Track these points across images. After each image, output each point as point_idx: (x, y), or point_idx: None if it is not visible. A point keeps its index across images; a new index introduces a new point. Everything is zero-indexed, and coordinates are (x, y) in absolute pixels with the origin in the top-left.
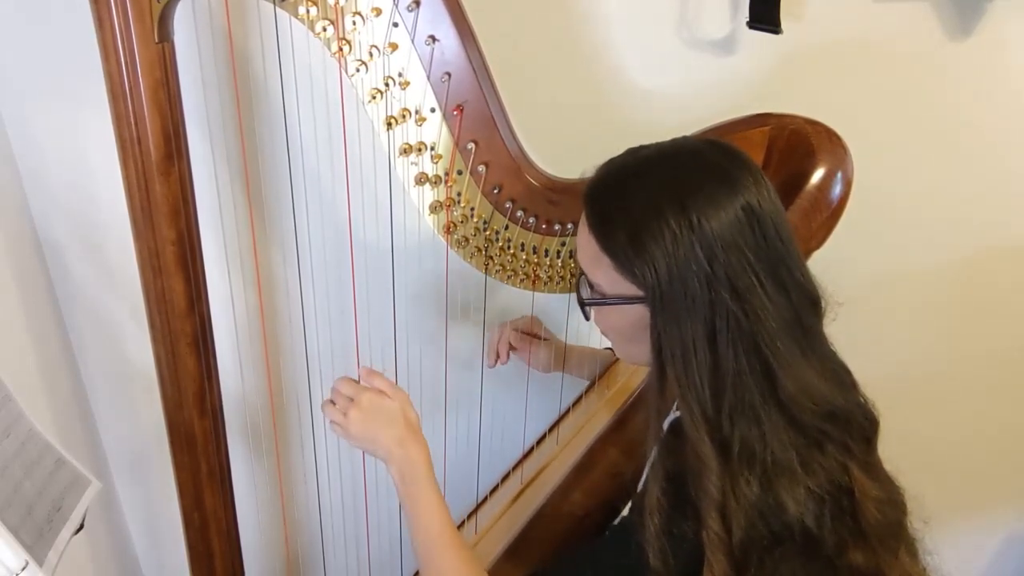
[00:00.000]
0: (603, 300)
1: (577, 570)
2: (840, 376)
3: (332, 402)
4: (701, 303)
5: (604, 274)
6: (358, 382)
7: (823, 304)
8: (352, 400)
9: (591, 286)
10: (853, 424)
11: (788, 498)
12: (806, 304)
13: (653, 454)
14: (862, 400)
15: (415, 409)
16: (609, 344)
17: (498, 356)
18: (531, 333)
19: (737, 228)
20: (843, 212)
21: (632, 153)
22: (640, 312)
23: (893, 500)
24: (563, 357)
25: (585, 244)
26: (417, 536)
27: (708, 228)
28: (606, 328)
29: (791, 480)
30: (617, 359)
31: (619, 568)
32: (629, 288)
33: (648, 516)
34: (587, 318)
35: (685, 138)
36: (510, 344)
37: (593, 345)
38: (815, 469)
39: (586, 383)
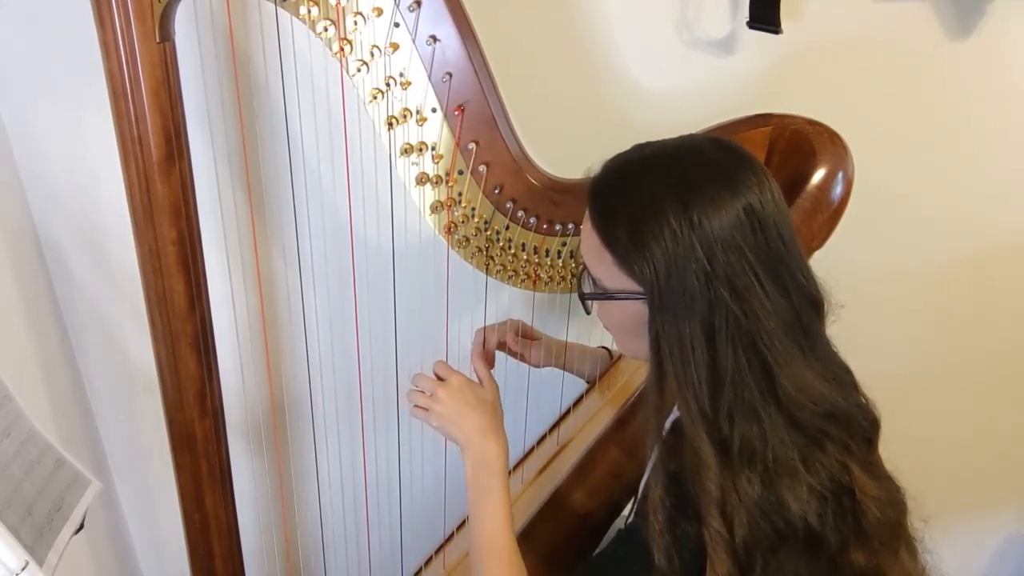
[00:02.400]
0: (603, 295)
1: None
2: (841, 376)
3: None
4: (700, 301)
5: (605, 269)
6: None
7: (825, 306)
8: (443, 380)
9: (593, 281)
10: (853, 424)
11: (790, 496)
12: (806, 305)
13: (654, 453)
14: (863, 400)
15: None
16: (602, 343)
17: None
18: (527, 336)
19: (738, 228)
20: (844, 212)
21: (637, 149)
22: (640, 308)
23: (893, 499)
24: (555, 352)
25: (588, 238)
26: (474, 534)
27: (708, 227)
28: (608, 323)
29: (793, 478)
30: (617, 359)
31: (626, 571)
32: (629, 284)
33: (652, 514)
34: (588, 312)
35: (691, 136)
36: (507, 345)
37: (595, 345)
38: (816, 468)
39: (586, 382)
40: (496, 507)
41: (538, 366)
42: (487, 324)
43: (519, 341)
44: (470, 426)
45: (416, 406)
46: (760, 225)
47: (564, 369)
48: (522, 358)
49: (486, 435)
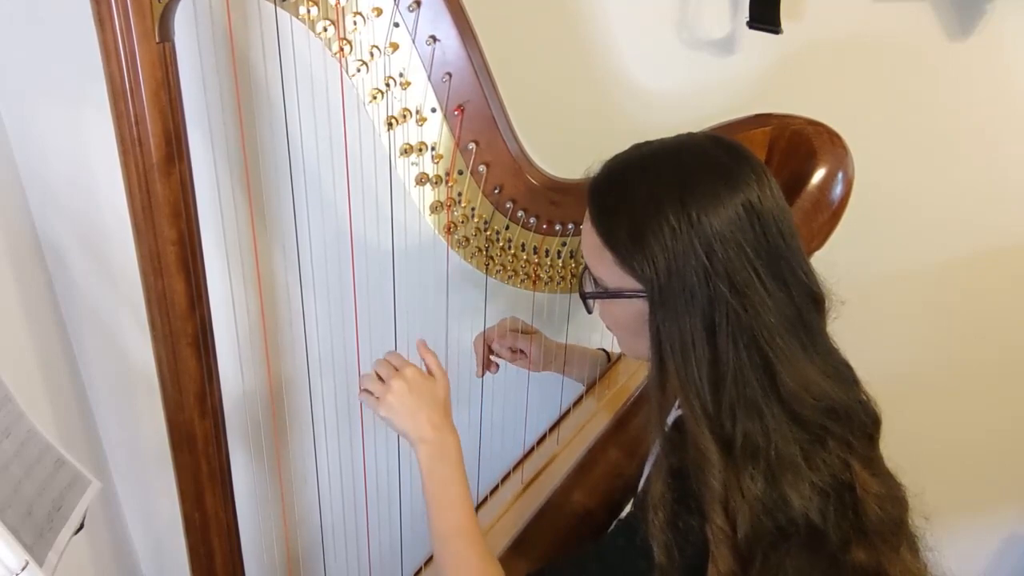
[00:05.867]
0: (605, 293)
1: (583, 567)
2: (842, 373)
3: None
4: (700, 298)
5: (606, 268)
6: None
7: (827, 302)
8: (397, 371)
9: (594, 280)
10: (855, 420)
11: (792, 493)
12: (807, 301)
13: (656, 450)
14: (864, 397)
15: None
16: (603, 344)
17: (488, 366)
18: (516, 331)
19: (737, 224)
20: (844, 212)
21: (636, 148)
22: (641, 306)
23: (894, 496)
24: (555, 354)
25: (588, 238)
26: (438, 524)
27: (707, 224)
28: (610, 322)
29: (795, 475)
30: (617, 360)
31: (625, 564)
32: (630, 282)
33: (653, 511)
34: (589, 311)
35: (690, 134)
36: (501, 349)
37: (595, 345)
38: (818, 464)
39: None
40: (458, 494)
41: (537, 369)
42: (484, 330)
43: (514, 336)
44: (424, 420)
45: (366, 391)
46: (759, 221)
47: (564, 373)
48: (521, 358)
49: (440, 429)
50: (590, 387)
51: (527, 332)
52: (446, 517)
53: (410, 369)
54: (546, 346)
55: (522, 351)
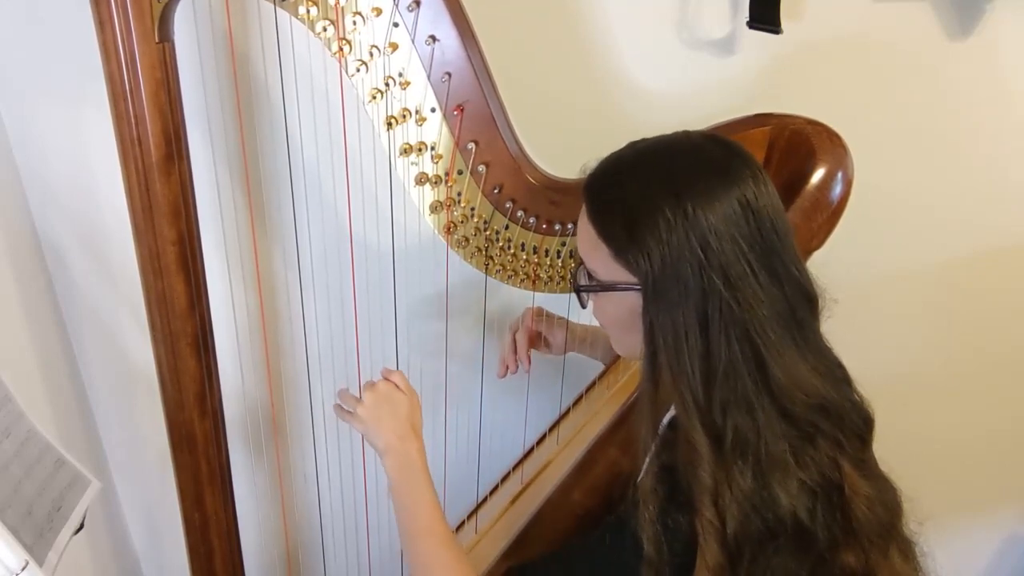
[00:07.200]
0: (599, 287)
1: (570, 564)
2: (834, 372)
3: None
4: (694, 290)
5: (601, 262)
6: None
7: (819, 301)
8: (372, 386)
9: (589, 274)
10: (846, 420)
11: (781, 490)
12: (800, 298)
13: (651, 448)
14: (856, 398)
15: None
16: None
17: (508, 366)
18: (538, 330)
19: (732, 219)
20: (843, 212)
21: (632, 145)
22: (635, 300)
23: (884, 500)
24: (579, 336)
25: (584, 233)
26: (406, 529)
27: (703, 217)
28: (604, 319)
29: (784, 472)
30: (619, 358)
31: (614, 561)
32: (625, 275)
33: (643, 504)
34: (583, 305)
35: (685, 132)
36: (526, 345)
37: None
38: (807, 462)
39: (587, 382)
40: (426, 498)
41: (560, 353)
42: (511, 324)
43: (541, 322)
44: (389, 432)
45: (339, 406)
46: (755, 217)
47: (589, 354)
48: (546, 346)
49: (404, 439)
50: (591, 386)
51: (551, 320)
52: (415, 520)
53: (381, 383)
54: (570, 328)
55: (545, 340)
